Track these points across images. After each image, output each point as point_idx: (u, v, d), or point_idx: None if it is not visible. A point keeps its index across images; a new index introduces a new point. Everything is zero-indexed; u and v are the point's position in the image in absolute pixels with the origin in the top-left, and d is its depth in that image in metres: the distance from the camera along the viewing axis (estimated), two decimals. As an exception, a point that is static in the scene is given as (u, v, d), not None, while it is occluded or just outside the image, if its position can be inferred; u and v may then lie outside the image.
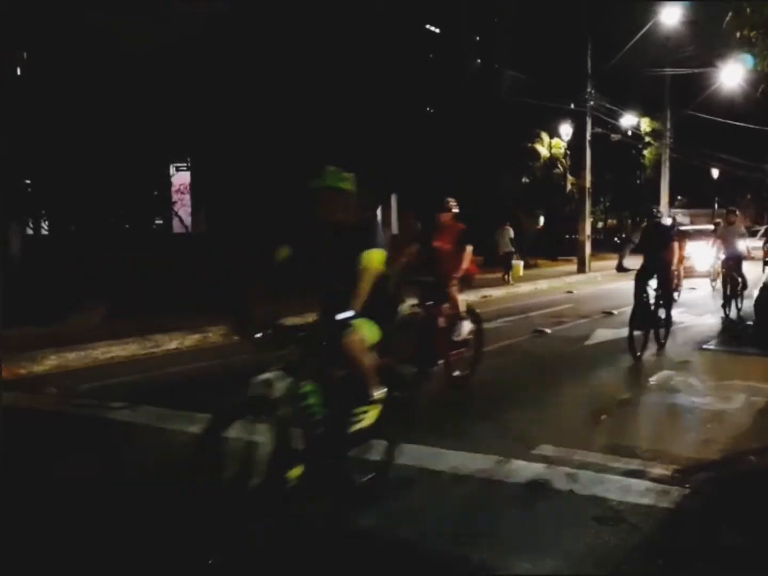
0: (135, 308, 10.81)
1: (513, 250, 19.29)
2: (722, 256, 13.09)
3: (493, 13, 25.72)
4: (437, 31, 22.56)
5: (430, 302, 6.73)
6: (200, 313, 10.71)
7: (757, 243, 26.63)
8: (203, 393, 6.75)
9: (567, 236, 30.87)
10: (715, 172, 39.88)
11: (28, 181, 13.48)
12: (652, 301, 8.51)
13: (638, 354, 8.19)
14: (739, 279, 12.30)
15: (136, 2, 12.52)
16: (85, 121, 12.12)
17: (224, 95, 13.73)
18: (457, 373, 6.98)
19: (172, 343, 9.45)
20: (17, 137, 10.88)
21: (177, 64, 12.76)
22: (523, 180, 29.44)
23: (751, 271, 19.64)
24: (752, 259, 25.26)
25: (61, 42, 12.02)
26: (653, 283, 8.54)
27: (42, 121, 11.79)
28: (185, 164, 17.49)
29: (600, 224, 39.52)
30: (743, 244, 15.32)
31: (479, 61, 25.36)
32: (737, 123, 29.13)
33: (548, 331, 10.55)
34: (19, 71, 12.54)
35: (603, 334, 10.15)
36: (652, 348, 8.66)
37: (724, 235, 12.81)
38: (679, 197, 42.56)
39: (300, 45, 14.86)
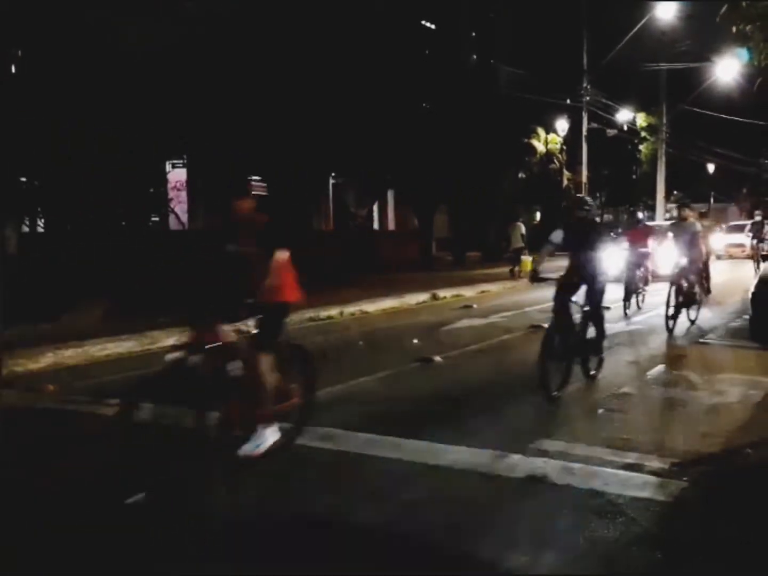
0: (131, 305, 10.80)
1: (524, 245, 19.54)
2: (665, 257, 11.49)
3: (489, 8, 25.68)
4: (433, 27, 22.52)
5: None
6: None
7: (743, 240, 25.31)
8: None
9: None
10: (710, 167, 39.94)
11: (24, 179, 13.44)
12: (578, 320, 6.64)
13: (554, 393, 6.16)
14: (688, 285, 10.20)
15: (136, 2, 12.48)
16: (82, 119, 12.08)
17: (220, 91, 13.69)
18: (269, 441, 4.58)
19: (168, 339, 9.41)
20: (12, 135, 10.84)
21: (174, 63, 12.72)
22: (520, 175, 29.44)
23: (725, 270, 19.51)
24: (730, 257, 24.87)
25: (59, 40, 11.97)
26: (581, 298, 6.69)
27: (38, 118, 11.74)
28: (181, 161, 17.47)
29: (597, 219, 39.58)
30: (705, 243, 13.75)
31: (475, 56, 25.33)
32: (733, 117, 29.17)
33: (545, 326, 10.52)
34: (13, 69, 12.48)
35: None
36: (576, 382, 6.62)
37: (676, 233, 10.68)
38: (675, 192, 42.60)
39: (297, 42, 14.82)
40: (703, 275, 13.60)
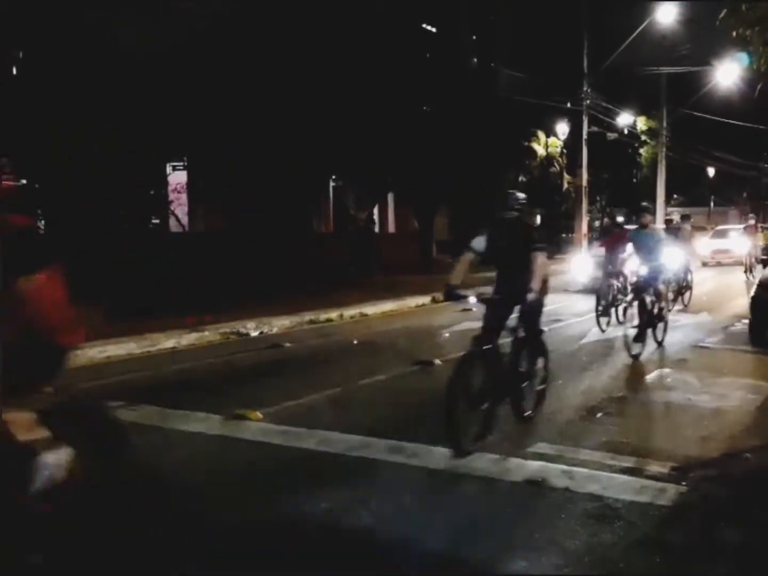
0: (132, 307, 10.81)
1: None
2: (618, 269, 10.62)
3: (489, 11, 25.72)
4: (434, 30, 22.57)
5: None
6: (197, 312, 10.71)
7: (730, 245, 23.58)
8: (199, 392, 6.76)
9: (563, 234, 30.93)
10: (711, 171, 40.01)
11: (25, 181, 13.45)
12: (508, 349, 5.36)
13: (469, 447, 4.77)
14: (652, 302, 8.74)
15: (136, 2, 12.50)
16: (82, 121, 12.10)
17: (221, 94, 13.70)
18: None
19: (168, 341, 9.44)
20: (14, 136, 10.86)
21: (174, 64, 12.74)
22: (520, 179, 29.47)
23: (712, 277, 19.15)
24: (718, 264, 23.00)
25: (59, 41, 12.00)
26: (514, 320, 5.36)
27: (38, 120, 11.75)
28: (182, 163, 17.48)
29: (597, 223, 39.63)
30: (689, 249, 13.17)
31: (476, 59, 25.37)
32: (733, 121, 29.22)
33: (545, 329, 10.53)
34: (14, 71, 12.51)
35: (598, 333, 10.16)
36: (501, 428, 5.20)
37: (636, 242, 9.16)
38: (675, 196, 42.66)
39: (298, 44, 14.84)
40: (684, 285, 12.99)
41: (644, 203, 11.88)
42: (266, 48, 14.56)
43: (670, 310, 11.72)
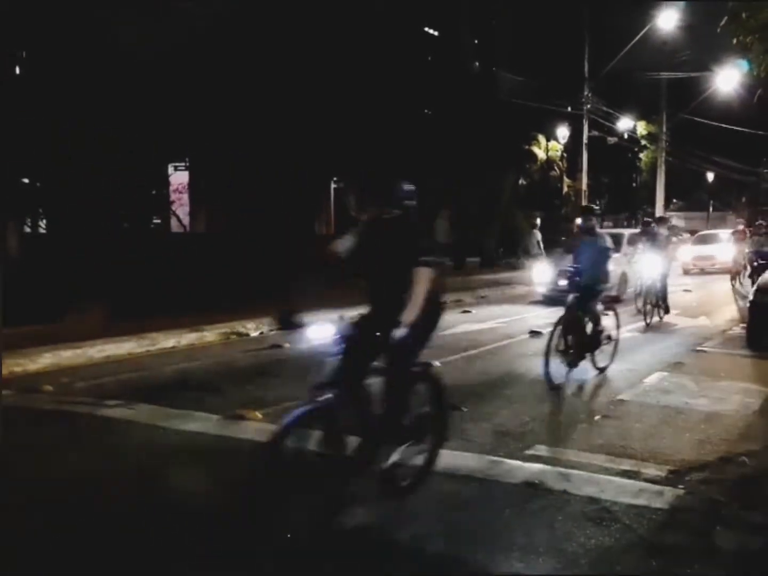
0: (132, 307, 10.83)
1: (539, 252, 19.90)
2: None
3: (491, 16, 25.79)
4: (436, 33, 22.62)
5: None
6: (197, 312, 10.73)
7: (713, 251, 22.13)
8: (199, 391, 6.78)
9: (563, 238, 31.00)
10: (710, 176, 40.11)
11: (26, 180, 13.47)
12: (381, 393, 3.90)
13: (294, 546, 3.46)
14: (591, 321, 7.45)
15: (137, 2, 12.55)
16: (84, 121, 12.13)
17: (223, 95, 13.74)
18: None
19: (168, 341, 9.46)
20: (15, 136, 10.87)
21: (176, 64, 12.77)
22: (520, 182, 29.53)
23: (695, 286, 18.57)
24: (701, 271, 21.59)
25: (61, 42, 12.04)
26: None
27: (40, 120, 11.78)
28: (183, 164, 17.52)
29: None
30: (668, 254, 12.46)
31: (477, 63, 25.43)
32: (732, 127, 29.31)
33: (543, 332, 10.56)
34: (18, 70, 12.54)
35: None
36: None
37: (578, 250, 7.81)
38: (674, 200, 42.74)
39: (300, 46, 14.88)
40: (660, 294, 12.17)
41: (589, 204, 10.65)
42: (268, 48, 14.60)
43: (649, 324, 11.55)
